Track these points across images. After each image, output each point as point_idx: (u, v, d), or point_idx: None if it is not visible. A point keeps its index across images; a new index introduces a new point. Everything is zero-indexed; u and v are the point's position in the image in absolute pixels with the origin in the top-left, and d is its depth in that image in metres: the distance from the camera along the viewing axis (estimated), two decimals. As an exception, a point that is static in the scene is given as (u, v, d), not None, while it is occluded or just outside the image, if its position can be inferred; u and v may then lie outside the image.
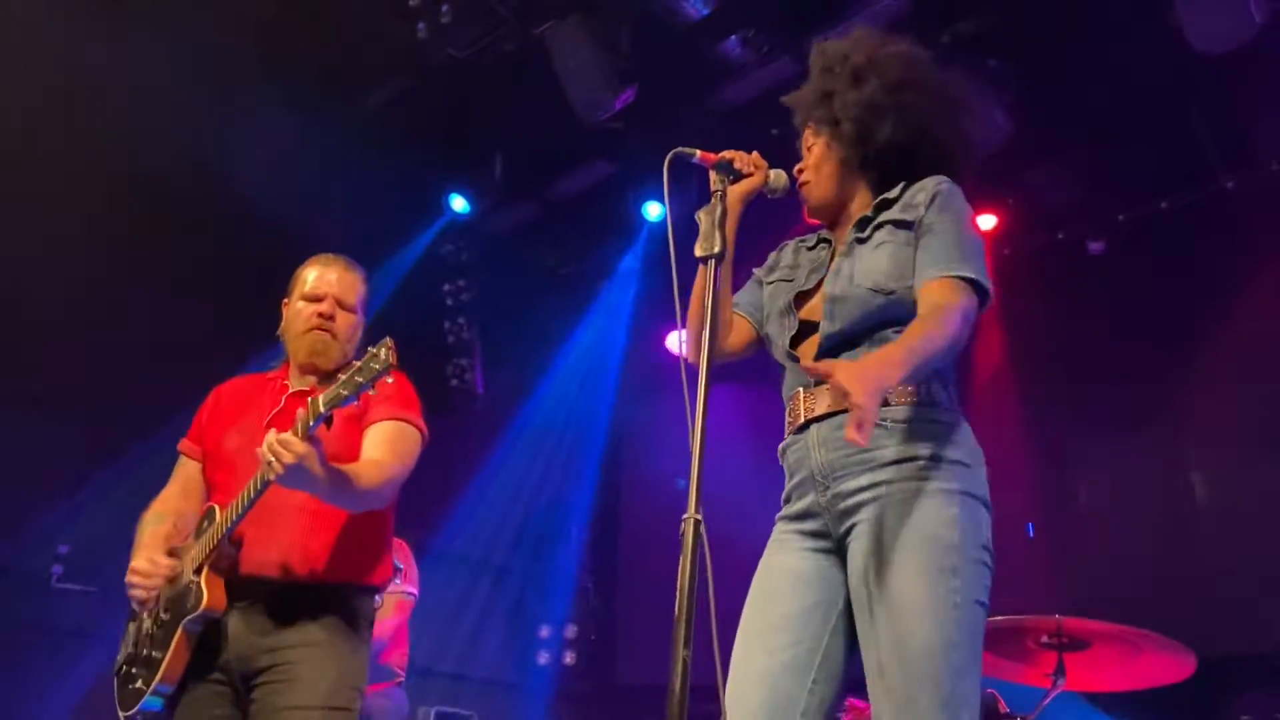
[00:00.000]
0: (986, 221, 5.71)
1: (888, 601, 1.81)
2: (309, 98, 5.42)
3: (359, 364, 2.14)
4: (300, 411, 2.22)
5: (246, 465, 2.35)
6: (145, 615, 2.48)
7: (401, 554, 4.22)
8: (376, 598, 2.58)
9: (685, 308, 2.02)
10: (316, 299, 2.58)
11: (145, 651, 2.42)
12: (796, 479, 2.03)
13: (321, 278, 2.61)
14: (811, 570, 1.97)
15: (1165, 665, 3.20)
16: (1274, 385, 4.77)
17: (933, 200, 2.00)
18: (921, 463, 1.88)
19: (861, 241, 2.06)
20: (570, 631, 6.50)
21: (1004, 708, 3.30)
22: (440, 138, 5.71)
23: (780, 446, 2.09)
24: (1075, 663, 3.21)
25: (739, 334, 2.19)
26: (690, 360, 2.02)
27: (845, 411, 1.88)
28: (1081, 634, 3.18)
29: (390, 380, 2.15)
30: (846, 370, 1.72)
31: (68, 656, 4.35)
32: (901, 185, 2.08)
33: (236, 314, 5.40)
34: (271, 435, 2.18)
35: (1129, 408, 5.14)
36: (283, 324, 2.67)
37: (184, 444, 2.68)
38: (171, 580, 2.42)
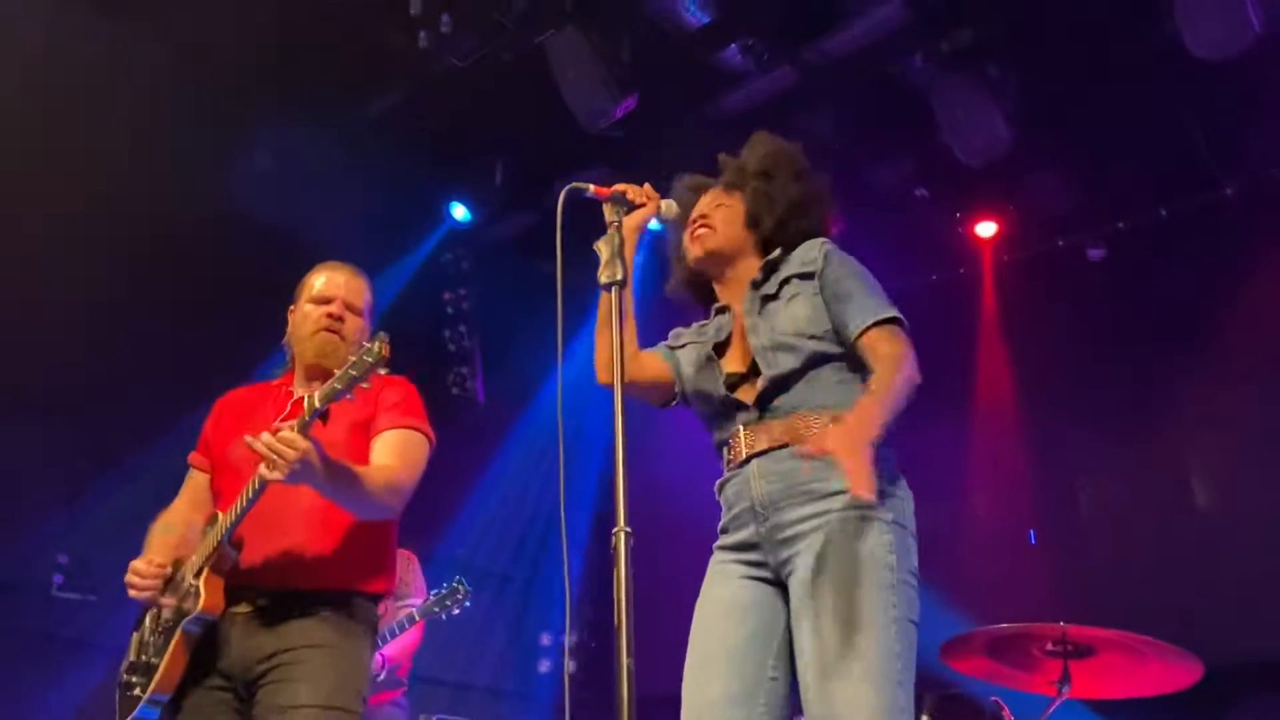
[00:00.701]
0: (986, 229, 5.73)
1: (833, 613, 1.95)
2: (310, 106, 5.42)
3: (353, 359, 2.18)
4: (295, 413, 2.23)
5: (251, 472, 2.34)
6: (147, 625, 2.48)
7: (411, 569, 4.23)
8: (380, 605, 2.57)
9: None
10: (326, 300, 2.60)
11: (145, 658, 2.42)
12: (735, 511, 2.17)
13: (330, 281, 2.64)
14: (751, 599, 2.10)
15: (1171, 672, 3.19)
16: (1276, 390, 4.78)
17: (826, 257, 2.23)
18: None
19: (771, 298, 2.26)
20: (571, 639, 6.48)
21: (1009, 716, 3.29)
22: (441, 146, 5.72)
23: (718, 483, 2.24)
24: (1080, 670, 3.19)
25: (652, 365, 2.36)
26: (599, 380, 2.23)
27: (786, 446, 2.10)
28: (1086, 641, 3.17)
29: (384, 371, 2.18)
30: (838, 440, 1.89)
31: (68, 665, 4.32)
32: (779, 250, 2.32)
33: (237, 322, 5.40)
34: (266, 435, 2.18)
35: (1130, 414, 5.14)
36: (289, 329, 2.67)
37: (192, 456, 2.70)
38: (175, 587, 2.42)
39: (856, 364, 2.15)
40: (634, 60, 4.83)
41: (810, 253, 2.27)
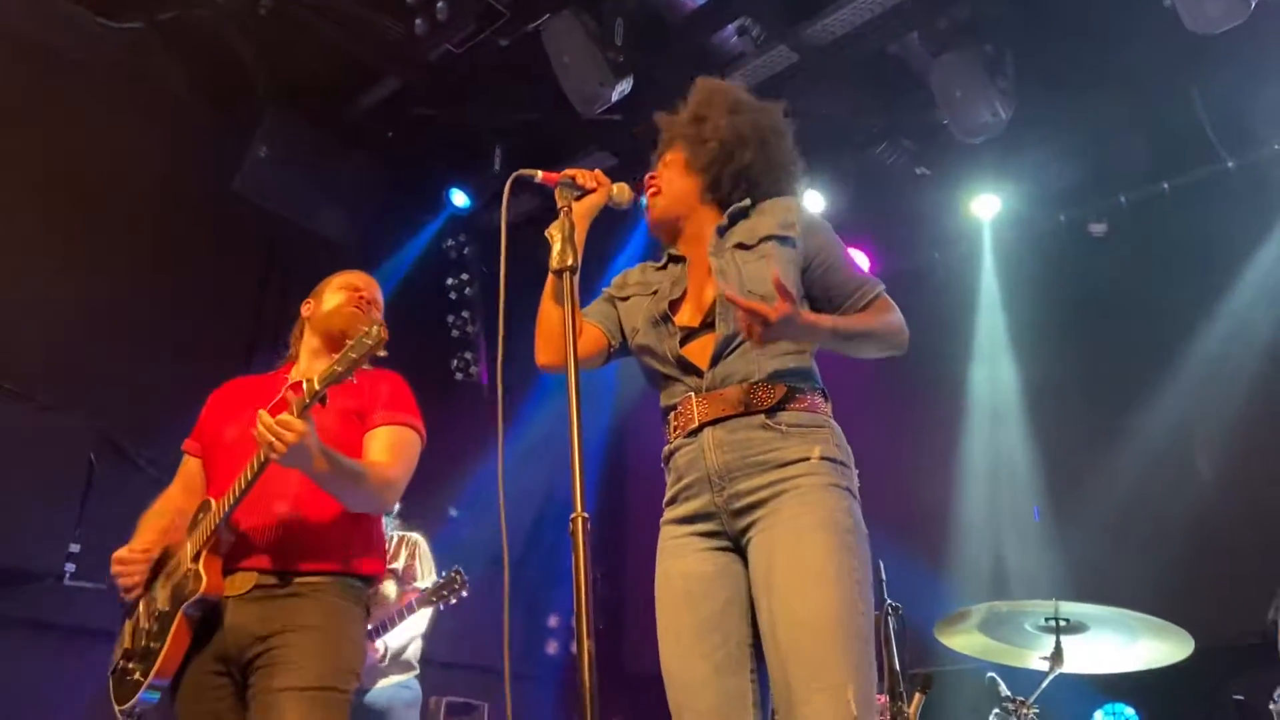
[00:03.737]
0: (989, 205, 5.71)
1: (795, 576, 1.95)
2: (309, 95, 5.45)
3: (352, 342, 2.25)
4: (294, 394, 2.29)
5: (244, 455, 2.40)
6: (141, 611, 2.52)
7: (419, 554, 4.27)
8: (371, 588, 2.62)
9: (509, 330, 2.13)
10: (355, 288, 2.77)
11: (143, 644, 2.47)
12: (686, 481, 2.14)
13: (357, 276, 2.83)
14: (715, 570, 2.08)
15: (1162, 648, 3.22)
16: (1276, 368, 4.77)
17: (808, 225, 2.23)
18: (813, 461, 2.05)
19: (745, 248, 2.20)
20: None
21: (1004, 691, 3.33)
22: (439, 133, 5.74)
23: (665, 450, 2.20)
24: (1073, 645, 3.23)
25: (588, 340, 2.30)
26: (539, 362, 2.24)
27: (740, 415, 2.07)
28: (1079, 617, 3.20)
29: (382, 354, 2.24)
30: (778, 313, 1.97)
31: (80, 653, 4.39)
32: (747, 200, 2.29)
33: (241, 311, 5.47)
34: (266, 416, 2.25)
35: (1132, 389, 5.13)
36: (308, 314, 2.77)
37: (186, 444, 2.76)
38: (169, 574, 2.47)
39: None
40: (630, 43, 4.82)
41: (787, 215, 2.23)
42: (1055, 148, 5.42)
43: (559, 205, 2.17)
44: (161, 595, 2.47)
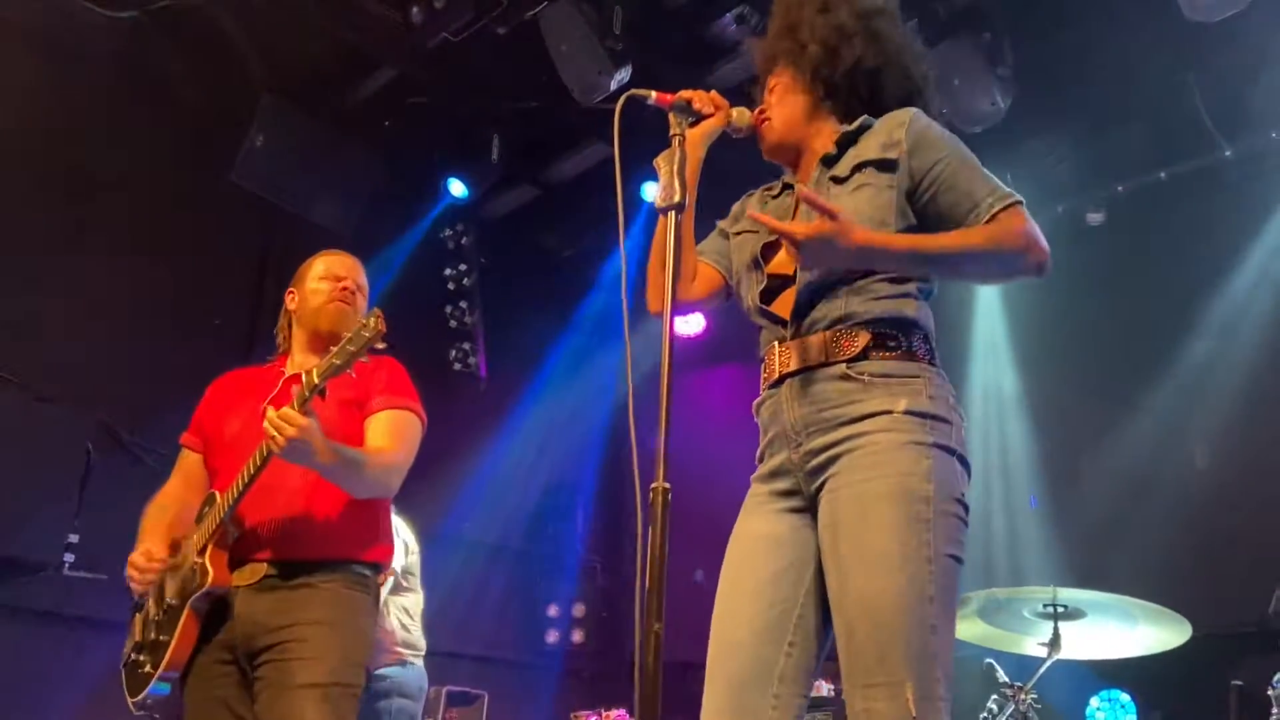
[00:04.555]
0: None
1: (857, 555, 1.75)
2: (305, 84, 5.44)
3: (350, 334, 2.24)
4: (295, 387, 2.29)
5: (246, 449, 2.41)
6: (150, 604, 2.53)
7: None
8: (380, 575, 2.62)
9: (632, 262, 2.00)
10: (338, 278, 2.70)
11: (152, 636, 2.48)
12: (769, 435, 1.96)
13: (338, 263, 2.75)
14: (784, 532, 1.90)
15: (1159, 634, 3.24)
16: (1274, 356, 4.78)
17: (917, 140, 1.91)
18: (896, 415, 1.81)
19: (839, 181, 1.95)
20: (578, 610, 6.57)
21: (1002, 677, 3.34)
22: (437, 121, 5.72)
23: (755, 403, 2.02)
24: (1071, 632, 3.24)
25: (703, 281, 2.12)
26: (651, 310, 2.01)
27: (821, 366, 1.86)
28: (1077, 604, 3.22)
29: (382, 346, 2.23)
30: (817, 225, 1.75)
31: (79, 643, 4.41)
32: (862, 119, 2.00)
33: (238, 300, 5.47)
34: (272, 411, 2.25)
35: (1129, 378, 5.14)
36: (291, 309, 2.73)
37: (185, 437, 2.76)
38: (175, 567, 2.48)
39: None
40: (627, 32, 4.81)
41: (894, 131, 1.92)
42: (1053, 137, 5.42)
43: (671, 132, 1.90)
44: (169, 588, 2.48)
